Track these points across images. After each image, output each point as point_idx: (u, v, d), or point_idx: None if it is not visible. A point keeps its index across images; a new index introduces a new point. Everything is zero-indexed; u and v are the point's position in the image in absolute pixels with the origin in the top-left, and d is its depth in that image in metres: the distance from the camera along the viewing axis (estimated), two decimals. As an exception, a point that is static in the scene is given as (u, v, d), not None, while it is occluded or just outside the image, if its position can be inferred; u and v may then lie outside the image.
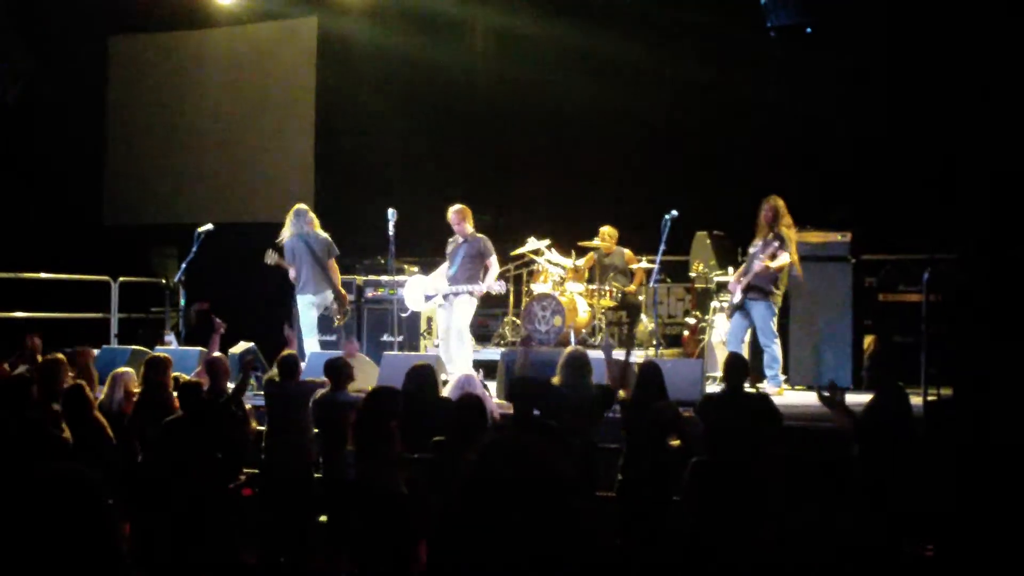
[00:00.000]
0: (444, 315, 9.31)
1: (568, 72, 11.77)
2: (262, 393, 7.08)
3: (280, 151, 13.09)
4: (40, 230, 12.10)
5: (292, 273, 9.34)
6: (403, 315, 9.72)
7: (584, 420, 6.06)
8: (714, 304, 10.01)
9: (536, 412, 5.93)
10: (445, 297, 9.20)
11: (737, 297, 8.83)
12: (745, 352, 8.60)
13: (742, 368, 6.31)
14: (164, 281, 9.81)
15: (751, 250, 8.92)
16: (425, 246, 9.32)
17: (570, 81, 11.77)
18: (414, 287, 9.59)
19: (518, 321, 10.85)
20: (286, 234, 9.36)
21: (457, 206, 9.29)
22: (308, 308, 9.34)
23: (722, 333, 9.49)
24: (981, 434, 5.46)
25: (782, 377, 8.80)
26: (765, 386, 8.53)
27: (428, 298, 9.42)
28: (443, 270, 9.43)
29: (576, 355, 6.45)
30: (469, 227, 9.28)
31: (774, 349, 8.74)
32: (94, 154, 13.47)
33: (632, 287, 10.90)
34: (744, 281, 8.76)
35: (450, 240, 9.41)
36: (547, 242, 10.79)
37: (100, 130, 13.60)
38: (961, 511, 5.02)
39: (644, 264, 10.63)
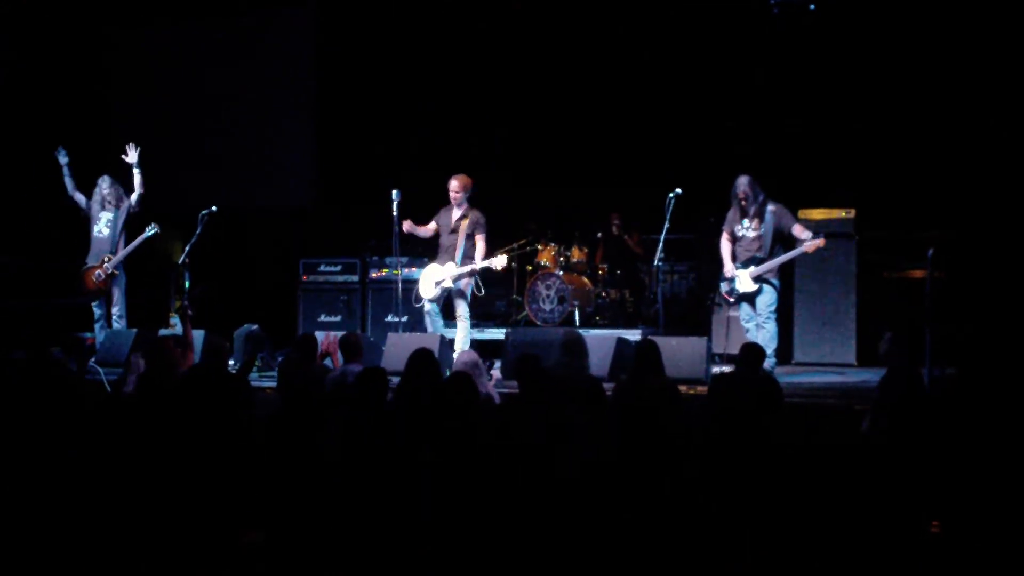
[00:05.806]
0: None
1: (570, 49, 11.67)
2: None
3: (282, 134, 13.04)
4: (41, 215, 12.06)
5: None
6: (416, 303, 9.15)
7: (575, 405, 5.63)
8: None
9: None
10: (455, 281, 8.71)
11: (752, 285, 8.15)
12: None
13: (761, 355, 6.27)
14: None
15: (740, 231, 8.21)
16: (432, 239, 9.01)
17: (571, 59, 11.66)
18: (427, 277, 8.93)
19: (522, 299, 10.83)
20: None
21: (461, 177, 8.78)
22: None
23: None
24: (985, 412, 5.46)
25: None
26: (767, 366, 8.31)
27: (438, 284, 8.80)
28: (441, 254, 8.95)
29: (573, 337, 6.26)
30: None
31: (775, 327, 8.31)
32: (96, 140, 13.42)
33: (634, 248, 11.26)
34: (772, 264, 8.03)
35: (443, 211, 8.82)
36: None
37: (103, 117, 13.56)
38: (967, 487, 5.02)
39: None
